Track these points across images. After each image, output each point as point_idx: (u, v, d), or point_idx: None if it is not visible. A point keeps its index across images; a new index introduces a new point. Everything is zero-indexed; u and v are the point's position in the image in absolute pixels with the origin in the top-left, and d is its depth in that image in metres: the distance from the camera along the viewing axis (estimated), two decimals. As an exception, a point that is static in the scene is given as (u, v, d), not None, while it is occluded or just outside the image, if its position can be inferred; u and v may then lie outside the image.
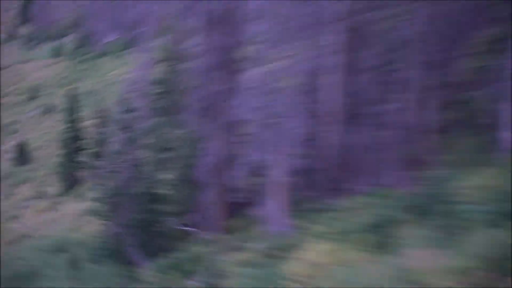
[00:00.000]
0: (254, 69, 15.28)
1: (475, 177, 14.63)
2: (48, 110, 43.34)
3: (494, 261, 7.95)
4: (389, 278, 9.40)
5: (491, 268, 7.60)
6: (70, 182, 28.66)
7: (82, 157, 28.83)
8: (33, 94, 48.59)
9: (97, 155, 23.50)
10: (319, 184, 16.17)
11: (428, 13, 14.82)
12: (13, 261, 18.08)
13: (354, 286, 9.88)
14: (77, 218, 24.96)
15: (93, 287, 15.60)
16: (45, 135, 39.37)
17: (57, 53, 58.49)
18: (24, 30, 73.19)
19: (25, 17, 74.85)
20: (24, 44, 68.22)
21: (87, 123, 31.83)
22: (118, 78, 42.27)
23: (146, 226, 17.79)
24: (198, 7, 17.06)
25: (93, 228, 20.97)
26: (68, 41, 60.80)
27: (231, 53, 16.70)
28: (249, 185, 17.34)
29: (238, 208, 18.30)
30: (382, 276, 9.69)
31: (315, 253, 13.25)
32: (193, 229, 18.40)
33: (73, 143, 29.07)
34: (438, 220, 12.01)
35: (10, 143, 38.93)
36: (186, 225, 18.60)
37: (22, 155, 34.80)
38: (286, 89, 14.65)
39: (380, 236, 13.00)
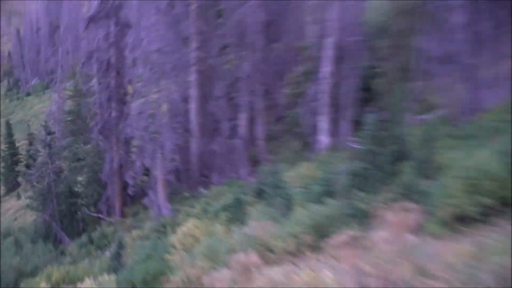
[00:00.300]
0: (139, 100, 19.46)
1: (298, 169, 18.17)
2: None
3: (314, 227, 9.03)
4: (241, 243, 10.51)
5: (312, 232, 8.53)
6: (11, 186, 36.36)
7: (18, 168, 36.07)
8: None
9: (29, 166, 28.43)
10: (190, 179, 20.45)
11: (257, 57, 19.90)
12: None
13: (217, 250, 10.72)
14: (17, 211, 29.99)
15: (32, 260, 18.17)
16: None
17: (-4, 94, 70.64)
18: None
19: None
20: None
21: (20, 143, 40.91)
22: (41, 110, 52.69)
23: (68, 214, 21.93)
24: (96, 57, 21.15)
25: (29, 219, 25.61)
26: (3, 86, 75.38)
27: (121, 89, 20.99)
28: (140, 182, 21.02)
29: (134, 199, 22.13)
30: (237, 242, 10.88)
31: (189, 228, 14.72)
32: (102, 216, 22.07)
33: (11, 157, 36.98)
34: (274, 200, 13.84)
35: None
36: (96, 213, 22.32)
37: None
38: (162, 113, 18.98)
39: (235, 213, 15.18)
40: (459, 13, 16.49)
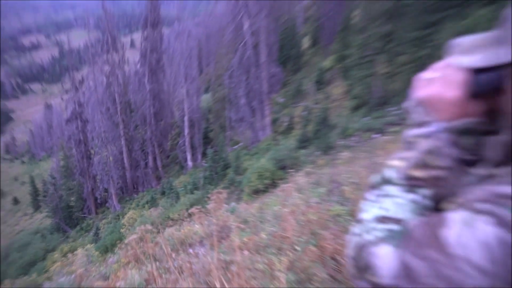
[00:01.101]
0: (98, 156, 33.09)
1: (180, 179, 32.07)
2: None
3: (189, 205, 14.16)
4: (157, 217, 24.46)
5: (188, 207, 11.88)
6: (36, 207, 48.73)
7: (39, 198, 46.19)
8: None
9: (45, 196, 36.79)
10: (128, 191, 34.16)
11: (152, 128, 35.08)
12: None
13: (145, 221, 15.13)
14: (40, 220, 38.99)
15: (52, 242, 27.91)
16: None
17: None
18: None
19: None
20: None
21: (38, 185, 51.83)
22: (47, 168, 63.64)
23: (67, 217, 32.75)
24: (72, 139, 33.76)
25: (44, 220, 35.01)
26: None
27: (85, 154, 34.12)
28: (103, 195, 33.26)
29: (101, 204, 34.29)
30: (154, 217, 24.86)
31: (130, 215, 23.01)
32: (86, 215, 33.72)
33: (35, 194, 49.71)
34: (170, 195, 25.88)
35: None
36: (82, 214, 33.82)
37: None
38: (110, 161, 33.01)
39: (151, 204, 26.97)
40: (243, 98, 34.07)
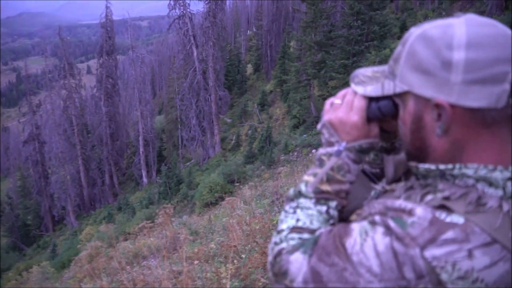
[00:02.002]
0: (56, 175, 31.36)
1: (136, 195, 31.42)
2: None
3: (146, 218, 21.16)
4: (113, 231, 23.77)
5: (144, 220, 18.37)
6: None
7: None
8: None
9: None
10: (85, 208, 32.62)
11: (108, 148, 33.89)
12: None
13: (103, 237, 17.41)
14: None
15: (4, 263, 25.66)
16: None
17: None
18: None
19: None
20: None
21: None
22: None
23: (24, 235, 30.97)
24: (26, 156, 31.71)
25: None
26: None
27: (43, 174, 32.30)
28: (61, 213, 31.57)
29: (59, 222, 32.64)
30: (111, 231, 24.28)
31: (87, 230, 25.30)
32: (42, 232, 31.80)
33: None
34: (126, 210, 27.09)
35: None
36: (39, 230, 32.03)
37: None
38: (68, 180, 31.40)
39: (108, 220, 27.95)
40: (194, 119, 33.98)
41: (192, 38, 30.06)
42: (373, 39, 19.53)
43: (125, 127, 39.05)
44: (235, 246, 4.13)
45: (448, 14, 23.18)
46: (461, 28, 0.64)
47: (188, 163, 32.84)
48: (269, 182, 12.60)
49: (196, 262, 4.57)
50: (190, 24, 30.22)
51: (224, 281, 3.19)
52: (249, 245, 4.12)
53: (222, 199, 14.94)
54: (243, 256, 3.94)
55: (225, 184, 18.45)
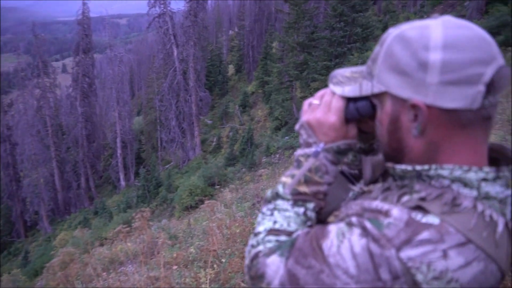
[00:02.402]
0: (27, 179, 30.42)
1: (113, 198, 30.88)
2: None
3: (123, 223, 22.89)
4: (89, 237, 23.19)
5: (121, 223, 21.83)
6: None
7: None
8: None
9: None
10: (60, 213, 31.88)
11: (84, 150, 33.16)
12: None
13: (78, 243, 17.56)
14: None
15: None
16: None
17: None
18: None
19: None
20: None
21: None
22: None
23: None
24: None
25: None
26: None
27: (13, 181, 31.38)
28: (34, 218, 30.67)
29: (31, 227, 31.68)
30: (87, 237, 24.11)
31: (61, 236, 24.22)
32: (14, 238, 30.90)
33: None
34: (103, 215, 25.62)
35: None
36: (10, 236, 31.12)
37: None
38: (42, 183, 30.62)
39: (84, 225, 27.40)
40: (173, 120, 33.76)
41: (172, 37, 29.87)
42: (356, 41, 19.78)
43: (102, 128, 38.44)
44: (215, 250, 4.11)
45: (430, 16, 23.58)
46: (437, 30, 0.66)
47: (167, 166, 32.54)
48: (250, 184, 12.60)
49: (175, 267, 4.52)
50: (171, 23, 30.01)
51: (203, 286, 3.17)
52: (229, 249, 4.10)
53: (202, 202, 14.82)
54: (223, 260, 3.92)
55: (205, 187, 18.36)
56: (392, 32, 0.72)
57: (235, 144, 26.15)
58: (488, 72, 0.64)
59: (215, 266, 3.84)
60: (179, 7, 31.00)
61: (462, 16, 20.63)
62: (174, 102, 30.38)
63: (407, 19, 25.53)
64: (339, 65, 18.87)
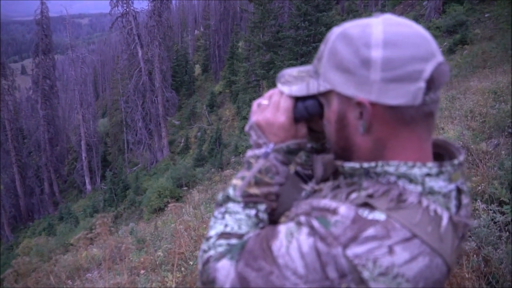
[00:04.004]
0: None
1: (79, 203, 30.19)
2: None
3: (89, 228, 22.59)
4: (55, 244, 22.30)
5: (87, 230, 23.15)
6: None
7: None
8: None
9: None
10: (22, 220, 30.65)
11: (47, 154, 32.04)
12: None
13: (41, 251, 15.55)
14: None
15: None
16: None
17: None
18: None
19: None
20: None
21: None
22: None
23: None
24: None
25: None
26: None
27: None
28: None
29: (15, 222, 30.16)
30: (53, 245, 22.72)
31: (24, 244, 22.90)
32: None
33: None
34: (69, 220, 25.79)
35: None
36: None
37: None
38: (4, 191, 29.21)
39: (48, 232, 26.48)
40: (140, 121, 33.17)
41: (136, 37, 29.34)
42: (320, 40, 20.06)
43: (65, 131, 37.30)
44: (182, 252, 4.06)
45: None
46: (378, 27, 0.66)
47: (135, 168, 32.15)
48: (219, 185, 12.56)
49: (142, 271, 4.43)
50: (134, 23, 29.48)
51: (170, 290, 3.12)
52: (197, 251, 4.06)
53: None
54: (191, 263, 3.88)
55: (174, 188, 18.12)
56: (336, 31, 0.72)
57: (203, 144, 26.00)
58: (428, 69, 0.65)
59: (182, 269, 3.79)
60: (142, 6, 30.64)
61: (421, 15, 21.34)
62: (140, 103, 29.85)
63: (369, 18, 26.19)
64: (305, 64, 19.06)
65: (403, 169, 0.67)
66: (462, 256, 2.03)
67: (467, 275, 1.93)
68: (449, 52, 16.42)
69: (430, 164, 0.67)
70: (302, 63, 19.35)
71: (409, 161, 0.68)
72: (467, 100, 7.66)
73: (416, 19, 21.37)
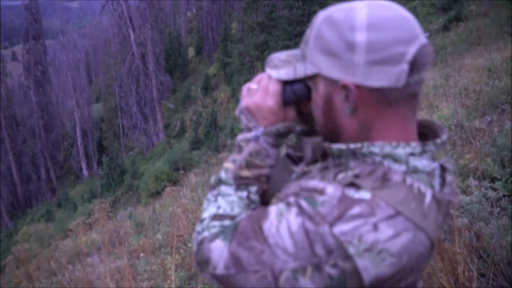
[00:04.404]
0: None
1: (77, 189, 30.18)
2: None
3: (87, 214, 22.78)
4: (54, 231, 22.28)
5: (85, 215, 22.54)
6: None
7: None
8: None
9: None
10: (20, 208, 30.69)
11: (42, 141, 31.76)
12: None
13: (40, 237, 18.73)
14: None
15: None
16: None
17: None
18: None
19: None
20: None
21: None
22: None
23: None
24: None
25: None
26: None
27: None
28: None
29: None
30: (52, 231, 22.89)
31: (24, 231, 23.99)
32: None
33: None
34: (67, 206, 26.20)
35: None
36: None
37: None
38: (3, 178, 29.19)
39: (47, 219, 26.57)
40: (134, 106, 32.93)
41: (128, 21, 28.91)
42: (314, 19, 19.81)
43: (59, 118, 36.99)
44: (181, 235, 4.11)
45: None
46: (362, 11, 0.68)
47: (131, 152, 32.00)
48: (216, 167, 12.60)
49: (142, 254, 4.49)
50: (125, 5, 29.00)
51: (170, 272, 3.17)
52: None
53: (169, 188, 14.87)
54: (190, 245, 3.93)
55: (171, 172, 18.17)
56: (322, 15, 0.74)
57: (199, 127, 25.95)
58: (411, 51, 0.66)
59: (181, 251, 3.84)
60: (133, -12, 29.97)
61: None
62: (134, 88, 29.64)
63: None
64: (300, 44, 18.93)
65: (387, 149, 0.69)
66: (454, 231, 2.08)
67: (458, 250, 1.98)
68: (444, 29, 16.32)
69: (413, 143, 0.70)
70: (296, 43, 19.20)
71: (393, 141, 0.70)
72: (461, 78, 7.67)
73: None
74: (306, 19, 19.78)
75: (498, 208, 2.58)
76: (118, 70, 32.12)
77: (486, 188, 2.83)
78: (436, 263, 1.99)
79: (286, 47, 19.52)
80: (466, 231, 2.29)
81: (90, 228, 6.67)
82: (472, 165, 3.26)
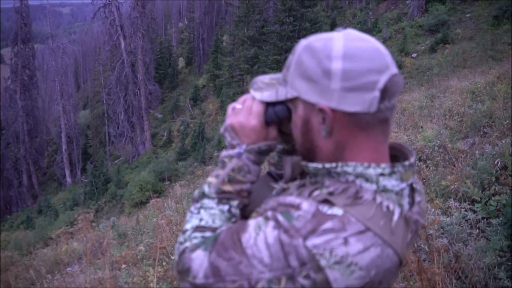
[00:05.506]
0: None
1: (59, 196, 29.99)
2: None
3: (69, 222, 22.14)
4: (38, 235, 21.57)
5: (69, 223, 21.89)
6: None
7: None
8: None
9: None
10: (1, 208, 29.96)
11: (26, 146, 31.21)
12: None
13: (20, 244, 20.74)
14: None
15: None
16: None
17: None
18: None
19: None
20: None
21: None
22: None
23: None
24: None
25: None
26: None
27: None
28: None
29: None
30: (34, 236, 22.10)
31: (3, 237, 22.73)
32: None
33: None
34: (47, 213, 25.78)
35: None
36: None
37: None
38: None
39: (28, 226, 25.98)
40: (122, 114, 32.73)
41: (119, 28, 28.91)
42: (305, 35, 19.81)
43: (45, 123, 36.57)
44: (164, 247, 4.08)
45: (375, 13, 24.70)
46: (339, 42, 0.74)
47: (116, 161, 31.76)
48: (202, 179, 12.55)
49: (123, 266, 4.44)
50: (117, 13, 29.02)
51: (151, 285, 3.15)
52: (179, 246, 4.07)
53: (153, 198, 14.69)
54: (173, 257, 3.90)
55: (156, 182, 18.05)
56: (302, 43, 0.80)
57: (186, 138, 25.89)
58: (382, 80, 0.72)
59: (164, 263, 3.82)
60: (125, -3, 30.04)
61: (404, 13, 21.61)
62: (122, 96, 29.49)
63: (354, 15, 26.33)
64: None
65: (359, 169, 0.75)
66: (433, 252, 2.13)
67: (437, 270, 2.02)
68: (431, 50, 16.71)
69: (383, 165, 0.76)
70: (286, 59, 19.34)
71: (365, 162, 0.76)
72: (446, 99, 7.85)
73: (399, 17, 21.68)
74: (296, 35, 20.05)
75: (477, 230, 2.64)
76: (107, 78, 31.97)
77: (466, 210, 2.90)
78: (415, 283, 2.03)
79: (276, 62, 19.73)
80: (445, 252, 2.34)
81: (71, 237, 6.57)
82: (453, 186, 3.33)
